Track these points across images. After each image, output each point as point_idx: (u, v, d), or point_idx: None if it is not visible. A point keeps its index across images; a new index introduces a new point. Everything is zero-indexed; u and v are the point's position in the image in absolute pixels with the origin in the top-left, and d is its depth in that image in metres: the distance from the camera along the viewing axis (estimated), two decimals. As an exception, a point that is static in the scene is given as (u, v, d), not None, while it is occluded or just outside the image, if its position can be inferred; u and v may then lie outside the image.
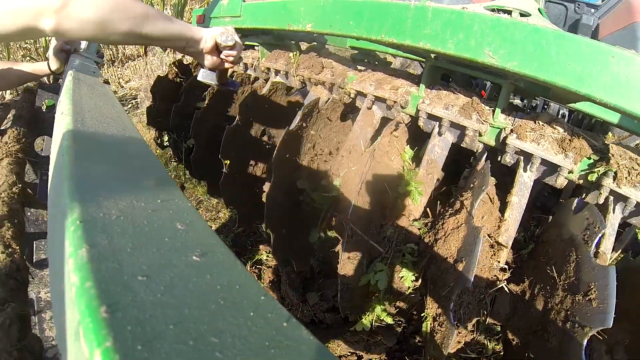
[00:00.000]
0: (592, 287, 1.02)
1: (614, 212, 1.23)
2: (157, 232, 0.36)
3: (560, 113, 3.14)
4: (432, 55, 1.52)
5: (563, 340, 1.08)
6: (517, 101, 3.14)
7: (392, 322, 1.52)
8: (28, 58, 4.31)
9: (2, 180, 1.00)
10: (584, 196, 1.34)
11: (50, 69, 1.65)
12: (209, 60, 1.25)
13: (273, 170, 1.26)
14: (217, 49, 1.24)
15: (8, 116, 2.05)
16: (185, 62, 2.27)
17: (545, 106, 3.14)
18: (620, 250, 1.86)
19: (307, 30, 1.52)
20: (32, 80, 1.81)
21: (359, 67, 1.66)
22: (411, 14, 1.33)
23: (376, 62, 2.25)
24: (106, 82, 1.25)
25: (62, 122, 0.57)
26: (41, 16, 0.83)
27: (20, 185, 1.00)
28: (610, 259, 1.22)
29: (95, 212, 0.36)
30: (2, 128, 1.87)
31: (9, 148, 1.23)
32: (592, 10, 3.94)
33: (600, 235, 1.07)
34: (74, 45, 1.67)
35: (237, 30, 2.08)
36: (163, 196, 0.44)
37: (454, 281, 1.24)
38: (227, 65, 1.30)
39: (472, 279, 1.14)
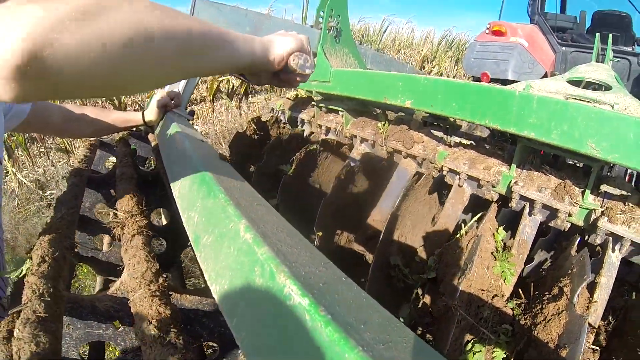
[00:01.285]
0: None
1: None
2: None
3: (629, 172, 3.10)
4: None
5: None
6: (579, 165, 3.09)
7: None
8: (105, 103, 4.53)
9: (143, 268, 0.78)
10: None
11: (144, 120, 1.59)
12: (269, 79, 0.90)
13: (376, 253, 1.31)
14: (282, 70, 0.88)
15: (96, 156, 1.93)
16: (263, 119, 2.38)
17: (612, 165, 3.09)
18: None
19: (406, 106, 1.58)
20: (121, 130, 1.73)
21: (448, 141, 1.72)
22: (516, 102, 1.37)
23: (447, 127, 2.30)
24: (223, 158, 1.18)
25: (258, 250, 0.48)
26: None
27: (165, 275, 0.80)
28: None
29: None
30: (97, 170, 1.78)
31: (137, 222, 1.02)
32: (656, 64, 3.90)
33: None
34: (176, 101, 1.62)
35: (323, 95, 2.16)
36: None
37: (556, 368, 1.25)
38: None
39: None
